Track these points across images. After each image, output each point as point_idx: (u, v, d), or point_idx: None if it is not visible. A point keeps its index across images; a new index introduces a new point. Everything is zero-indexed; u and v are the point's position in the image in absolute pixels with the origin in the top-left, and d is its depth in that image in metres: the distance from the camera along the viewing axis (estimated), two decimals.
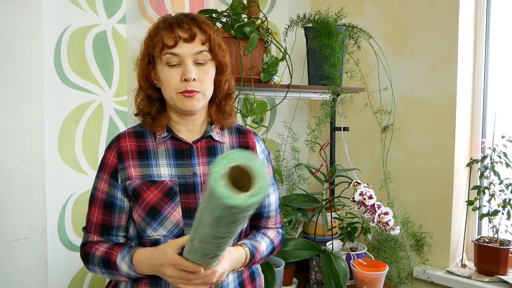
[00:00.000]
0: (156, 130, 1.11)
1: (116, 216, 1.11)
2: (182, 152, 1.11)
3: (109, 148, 1.13)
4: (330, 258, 1.67)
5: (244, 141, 1.19)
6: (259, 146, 1.22)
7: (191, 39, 1.04)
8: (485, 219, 1.96)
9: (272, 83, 1.79)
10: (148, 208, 1.06)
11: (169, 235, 1.06)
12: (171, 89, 1.06)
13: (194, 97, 1.06)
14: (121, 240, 1.14)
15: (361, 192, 1.63)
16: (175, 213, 1.06)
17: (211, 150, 1.13)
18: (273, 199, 1.23)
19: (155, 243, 1.07)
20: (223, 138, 1.16)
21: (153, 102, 1.12)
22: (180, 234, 1.06)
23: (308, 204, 1.94)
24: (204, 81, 1.07)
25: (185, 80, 1.04)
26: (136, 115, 1.15)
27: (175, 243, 1.00)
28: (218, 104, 1.16)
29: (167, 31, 1.05)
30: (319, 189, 2.19)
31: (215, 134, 1.15)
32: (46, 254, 1.53)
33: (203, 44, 1.06)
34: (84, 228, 1.15)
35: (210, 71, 1.09)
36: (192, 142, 1.12)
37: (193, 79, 1.04)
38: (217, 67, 1.12)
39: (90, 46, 1.62)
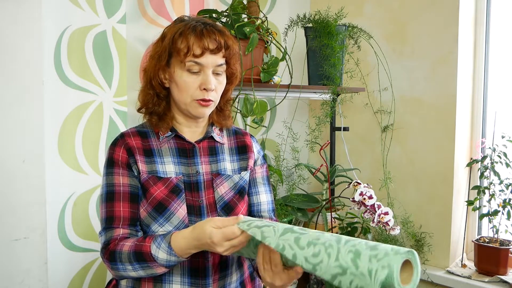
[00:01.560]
0: (160, 130, 1.13)
1: (139, 208, 1.09)
2: (185, 151, 1.13)
3: (115, 145, 1.11)
4: None
5: (242, 141, 1.22)
6: (255, 147, 1.24)
7: (217, 50, 1.07)
8: (485, 219, 1.96)
9: (272, 83, 1.79)
10: (155, 203, 1.07)
11: (175, 231, 1.06)
12: (187, 95, 1.08)
13: (208, 106, 1.10)
14: (139, 234, 1.10)
15: (361, 192, 1.63)
16: (181, 210, 1.07)
17: (213, 150, 1.16)
18: (264, 199, 1.22)
19: None
20: (223, 139, 1.20)
21: (161, 100, 1.13)
22: None
23: (308, 204, 1.94)
24: (218, 91, 1.12)
25: (205, 89, 1.07)
26: (139, 110, 1.16)
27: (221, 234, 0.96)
28: (220, 108, 1.19)
29: (196, 39, 1.05)
30: (319, 189, 2.19)
31: (216, 135, 1.18)
32: (46, 254, 1.53)
33: (223, 56, 1.09)
34: (105, 229, 1.08)
35: (224, 81, 1.13)
36: (195, 142, 1.14)
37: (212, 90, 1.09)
38: (228, 77, 1.15)
39: (90, 46, 1.62)
